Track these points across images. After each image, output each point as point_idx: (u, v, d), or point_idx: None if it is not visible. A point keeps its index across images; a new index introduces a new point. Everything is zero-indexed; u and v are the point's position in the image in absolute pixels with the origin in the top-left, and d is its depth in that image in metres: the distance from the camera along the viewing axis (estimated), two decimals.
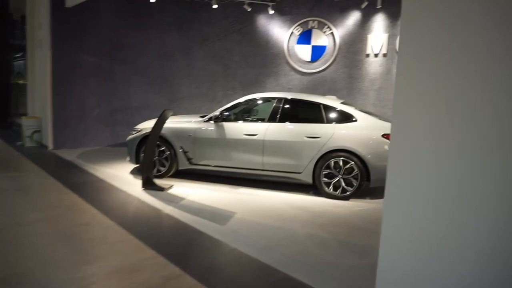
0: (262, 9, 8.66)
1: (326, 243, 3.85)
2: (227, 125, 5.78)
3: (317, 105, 5.63)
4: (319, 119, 5.54)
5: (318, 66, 8.45)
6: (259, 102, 6.08)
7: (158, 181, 5.62)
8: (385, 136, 5.21)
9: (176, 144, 5.93)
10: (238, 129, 5.72)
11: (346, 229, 4.24)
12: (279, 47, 8.71)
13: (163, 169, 6.03)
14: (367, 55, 8.01)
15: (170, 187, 5.57)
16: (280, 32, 8.69)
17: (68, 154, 7.70)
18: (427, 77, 1.94)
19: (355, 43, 8.09)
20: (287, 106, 5.73)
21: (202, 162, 5.89)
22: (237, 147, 5.69)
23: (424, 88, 1.95)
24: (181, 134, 5.93)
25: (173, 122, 5.98)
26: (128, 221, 4.17)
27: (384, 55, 7.82)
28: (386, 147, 5.17)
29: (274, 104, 5.78)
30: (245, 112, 6.35)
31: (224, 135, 5.73)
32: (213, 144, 5.79)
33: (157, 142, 5.81)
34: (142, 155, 6.06)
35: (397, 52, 7.65)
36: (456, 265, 1.90)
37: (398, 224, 2.11)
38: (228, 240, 3.77)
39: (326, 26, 8.28)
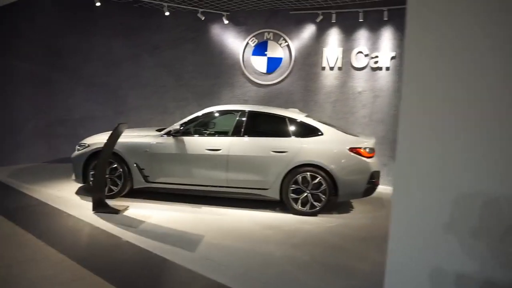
0: (216, 18, 8.39)
1: (305, 265, 3.64)
2: (188, 139, 5.39)
3: (282, 118, 5.46)
4: (284, 133, 5.37)
5: (274, 78, 8.35)
6: (220, 115, 5.76)
7: (110, 202, 5.05)
8: (352, 150, 5.17)
9: (131, 160, 5.41)
10: (200, 143, 5.36)
11: (322, 249, 4.07)
12: (234, 58, 8.48)
13: (115, 189, 5.46)
14: (323, 68, 8.06)
15: (126, 208, 5.03)
16: (235, 42, 8.47)
17: None
18: (433, 78, 1.89)
19: (310, 56, 8.12)
20: (251, 119, 5.49)
21: (160, 180, 5.43)
22: (199, 163, 5.32)
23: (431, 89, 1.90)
24: (136, 149, 5.43)
25: (127, 137, 5.45)
26: (82, 254, 3.63)
27: (339, 68, 7.92)
28: (351, 161, 5.13)
29: (237, 117, 5.51)
30: (204, 126, 6.00)
31: (185, 150, 5.33)
32: (172, 160, 5.36)
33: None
34: (91, 173, 5.45)
35: (352, 66, 7.83)
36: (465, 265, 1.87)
37: (406, 228, 2.02)
38: (200, 269, 3.41)
39: (281, 38, 8.22)
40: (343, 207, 5.62)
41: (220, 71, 8.54)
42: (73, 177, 5.69)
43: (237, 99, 8.50)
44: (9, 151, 7.53)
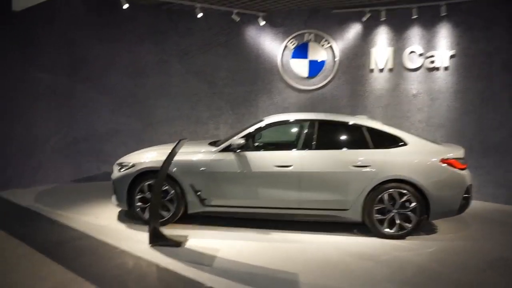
0: (252, 19, 7.69)
1: None
2: (251, 155, 4.62)
3: (358, 127, 4.73)
4: (364, 144, 4.63)
5: (317, 82, 7.64)
6: (285, 124, 5.01)
7: (165, 231, 4.25)
8: (444, 161, 4.45)
9: (185, 181, 4.63)
10: (267, 159, 4.60)
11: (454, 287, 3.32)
12: (272, 62, 7.76)
13: (166, 215, 4.68)
14: (371, 70, 7.37)
15: (186, 239, 4.25)
16: (272, 45, 7.76)
17: (21, 197, 5.92)
18: None
19: (357, 58, 7.43)
20: (322, 129, 4.74)
21: (219, 203, 4.65)
22: (267, 182, 4.56)
23: None
24: (191, 168, 4.65)
25: (177, 153, 4.67)
26: None
27: (390, 69, 7.24)
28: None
29: (306, 127, 4.77)
30: (262, 138, 5.28)
31: (249, 168, 4.56)
32: (234, 180, 4.60)
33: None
34: (138, 197, 4.67)
35: (404, 67, 7.14)
36: None
37: None
38: None
39: (324, 39, 7.53)
40: (426, 227, 4.88)
41: (257, 77, 7.82)
42: (114, 201, 4.90)
43: (276, 106, 7.78)
44: (30, 171, 6.72)
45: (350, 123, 4.77)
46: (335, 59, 7.50)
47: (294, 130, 5.15)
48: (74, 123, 7.31)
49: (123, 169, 4.82)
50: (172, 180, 4.64)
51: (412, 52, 7.10)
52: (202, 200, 4.65)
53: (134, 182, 4.70)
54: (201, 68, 7.83)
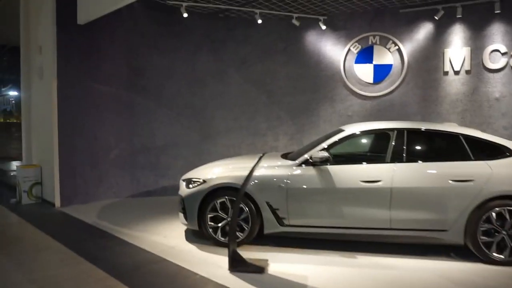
0: (312, 24, 7.31)
1: None
2: (334, 169, 4.18)
3: (455, 136, 4.17)
4: (463, 156, 4.07)
5: (383, 88, 7.11)
6: (370, 134, 4.55)
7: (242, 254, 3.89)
8: None
9: (261, 198, 4.26)
10: (352, 174, 4.14)
11: None
12: (334, 68, 7.32)
13: (241, 235, 4.32)
14: (446, 73, 6.75)
15: (267, 264, 3.86)
16: (334, 50, 7.33)
17: (84, 213, 5.81)
18: None
19: (428, 60, 6.84)
20: (412, 139, 4.23)
21: (299, 222, 4.24)
22: (353, 200, 4.10)
23: None
24: (268, 184, 4.28)
25: (249, 168, 4.31)
26: None
27: (467, 71, 6.59)
28: None
29: (394, 138, 4.26)
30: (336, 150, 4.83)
31: (333, 184, 4.12)
32: (316, 197, 4.18)
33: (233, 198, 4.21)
34: (209, 216, 4.35)
35: (485, 67, 6.46)
36: None
37: None
38: None
39: (390, 42, 7.01)
40: None
41: (318, 84, 7.40)
42: (183, 220, 4.61)
43: (339, 115, 7.31)
44: (91, 186, 6.64)
45: (445, 131, 4.23)
46: (404, 63, 6.94)
47: (375, 141, 4.65)
48: (134, 135, 7.20)
49: (193, 186, 4.53)
50: (246, 197, 4.28)
51: (493, 51, 6.42)
52: (280, 219, 4.25)
53: (205, 199, 4.39)
54: (259, 76, 7.53)
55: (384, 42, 7.07)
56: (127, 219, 5.51)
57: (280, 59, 7.49)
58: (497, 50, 6.39)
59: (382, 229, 4.07)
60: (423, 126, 4.34)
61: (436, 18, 6.65)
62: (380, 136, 4.44)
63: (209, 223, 4.38)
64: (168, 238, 4.72)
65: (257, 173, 4.31)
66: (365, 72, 7.18)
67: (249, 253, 4.09)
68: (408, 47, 6.95)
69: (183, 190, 4.63)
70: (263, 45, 7.50)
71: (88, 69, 6.51)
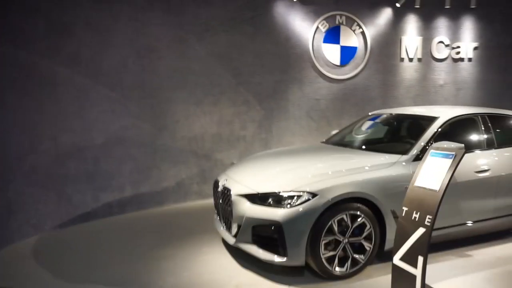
0: None
1: None
2: None
3: None
4: None
5: (348, 71, 6.88)
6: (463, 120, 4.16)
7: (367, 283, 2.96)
8: None
9: (386, 207, 3.35)
10: (466, 165, 3.71)
11: None
12: (303, 46, 6.58)
13: (361, 259, 3.30)
14: (402, 59, 7.06)
15: None
16: (302, 26, 6.57)
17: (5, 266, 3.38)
18: None
19: (388, 46, 6.99)
20: (496, 124, 4.14)
21: None
22: (469, 193, 3.71)
23: None
24: (390, 187, 3.39)
25: (336, 165, 3.47)
26: None
27: (419, 59, 7.08)
28: None
29: (481, 123, 4.06)
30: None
31: (454, 178, 3.59)
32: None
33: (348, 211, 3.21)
34: (323, 241, 3.15)
35: (432, 57, 7.10)
36: None
37: None
38: None
39: (355, 24, 6.79)
40: None
41: (287, 64, 6.54)
42: (269, 256, 3.19)
43: (308, 99, 6.70)
44: None
45: None
46: (367, 46, 6.88)
47: (461, 127, 4.31)
48: (57, 131, 4.64)
49: (293, 203, 3.15)
50: (369, 207, 3.29)
51: (439, 42, 7.09)
52: None
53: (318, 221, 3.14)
54: (224, 50, 6.05)
55: (349, 23, 6.81)
56: (88, 270, 3.50)
57: (248, 30, 6.21)
58: (442, 42, 7.10)
59: (488, 220, 3.86)
60: (499, 112, 4.31)
61: (398, 5, 6.82)
62: (465, 122, 4.15)
63: (323, 252, 3.16)
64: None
65: (366, 174, 3.36)
66: (332, 53, 6.76)
67: (379, 279, 3.15)
68: (371, 31, 6.91)
69: (282, 211, 3.13)
70: (229, 10, 6.03)
71: None
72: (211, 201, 5.68)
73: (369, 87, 7.00)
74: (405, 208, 2.90)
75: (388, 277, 3.19)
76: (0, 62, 3.98)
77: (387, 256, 3.47)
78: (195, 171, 5.85)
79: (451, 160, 2.74)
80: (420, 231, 2.70)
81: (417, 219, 2.76)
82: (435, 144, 3.44)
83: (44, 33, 4.47)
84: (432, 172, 2.84)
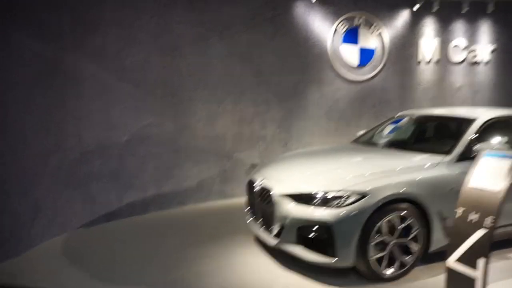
0: None
1: None
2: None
3: None
4: None
5: (366, 73, 6.83)
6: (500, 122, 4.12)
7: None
8: None
9: (433, 208, 3.28)
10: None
11: None
12: (322, 47, 6.52)
13: (408, 261, 3.23)
14: (419, 62, 7.05)
15: None
16: (321, 26, 6.52)
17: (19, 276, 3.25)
18: None
19: (405, 48, 6.97)
20: None
21: None
22: None
23: None
24: (437, 188, 3.32)
25: (376, 166, 3.41)
26: None
27: (436, 62, 7.07)
28: None
29: None
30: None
31: None
32: None
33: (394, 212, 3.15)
34: (372, 243, 3.06)
35: (449, 59, 7.09)
36: None
37: None
38: None
39: (374, 25, 6.76)
40: None
41: (306, 64, 6.48)
42: (318, 257, 3.10)
43: (326, 99, 6.64)
44: (17, 226, 3.79)
45: None
46: (385, 48, 6.85)
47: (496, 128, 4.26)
48: (83, 128, 4.51)
49: (345, 203, 3.06)
50: (415, 207, 3.22)
51: (456, 45, 7.10)
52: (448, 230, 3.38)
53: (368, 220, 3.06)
54: (245, 49, 5.95)
55: (368, 24, 6.77)
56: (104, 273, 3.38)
57: (268, 30, 6.13)
58: (459, 45, 7.10)
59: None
60: None
61: (414, 9, 6.80)
62: (502, 124, 4.09)
63: (372, 256, 3.08)
64: None
65: (413, 175, 3.30)
66: (351, 54, 6.72)
67: (428, 281, 3.08)
68: (389, 33, 6.88)
69: (333, 212, 3.04)
70: (250, 9, 5.95)
71: (5, 20, 3.60)
72: (232, 201, 5.64)
73: (387, 88, 6.96)
74: (460, 210, 2.82)
75: (437, 279, 3.13)
76: (27, 57, 3.83)
77: (431, 258, 3.41)
78: (216, 171, 5.73)
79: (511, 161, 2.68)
80: (481, 232, 2.63)
81: (475, 220, 2.69)
82: (483, 145, 3.40)
83: (70, 28, 4.34)
84: (489, 172, 2.77)
